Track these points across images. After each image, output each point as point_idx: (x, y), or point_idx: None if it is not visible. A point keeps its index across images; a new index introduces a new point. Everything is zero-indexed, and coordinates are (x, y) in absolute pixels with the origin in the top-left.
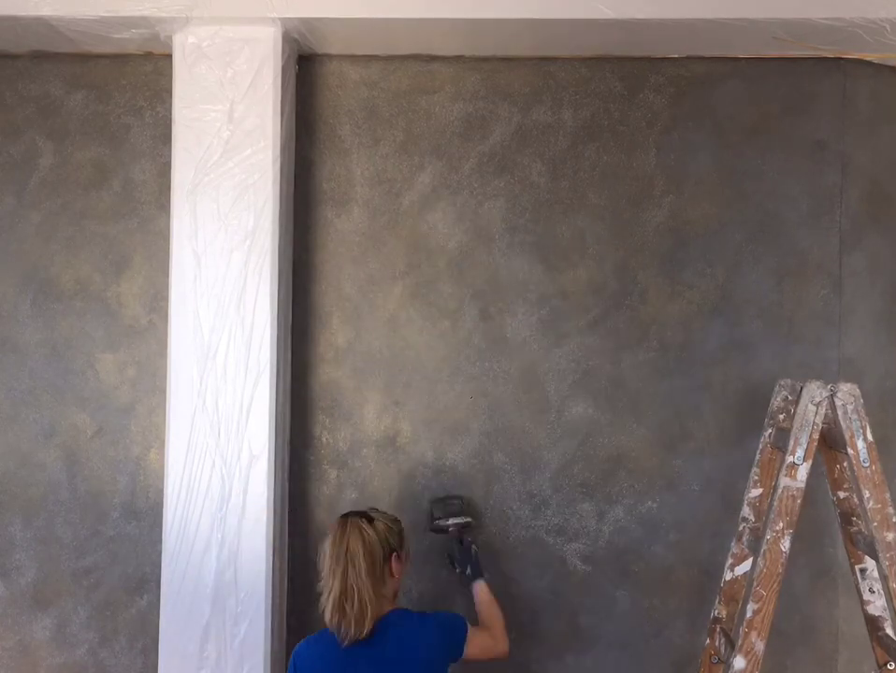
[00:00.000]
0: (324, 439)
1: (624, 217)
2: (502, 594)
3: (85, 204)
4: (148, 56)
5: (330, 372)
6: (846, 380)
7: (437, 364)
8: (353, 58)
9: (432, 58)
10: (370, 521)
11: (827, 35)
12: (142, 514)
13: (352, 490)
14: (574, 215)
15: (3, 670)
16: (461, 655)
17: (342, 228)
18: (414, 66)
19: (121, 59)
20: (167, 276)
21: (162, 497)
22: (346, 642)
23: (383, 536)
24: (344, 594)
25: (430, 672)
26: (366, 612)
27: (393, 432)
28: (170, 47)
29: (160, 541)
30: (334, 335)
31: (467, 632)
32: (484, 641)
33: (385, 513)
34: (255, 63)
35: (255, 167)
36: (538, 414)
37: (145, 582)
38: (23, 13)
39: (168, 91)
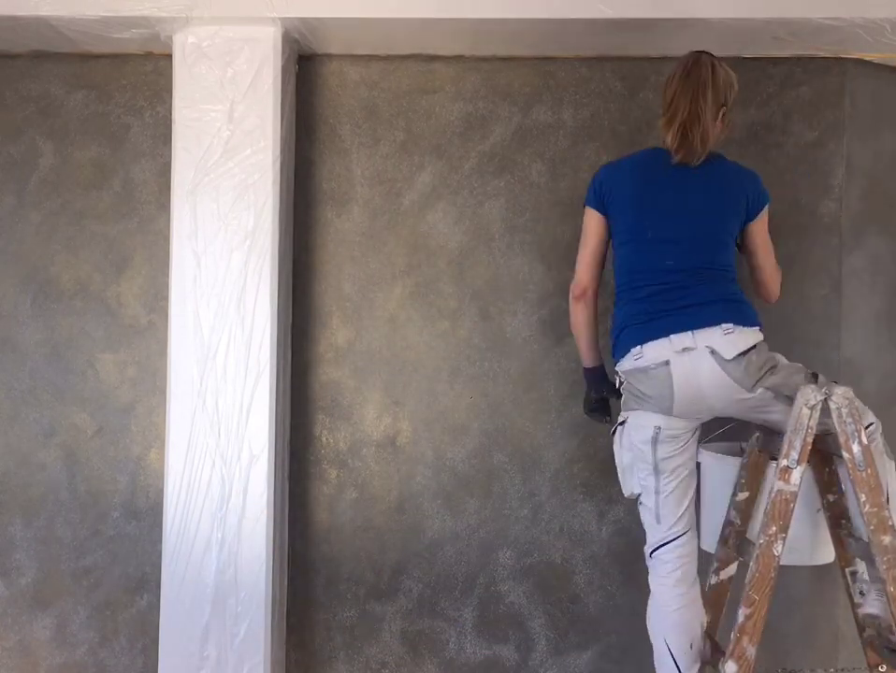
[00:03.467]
0: (324, 439)
1: None
2: (503, 594)
3: (85, 204)
4: (148, 56)
5: (330, 372)
6: (846, 381)
7: (437, 364)
8: (353, 58)
9: (432, 58)
10: (718, 62)
11: (827, 35)
12: (142, 514)
13: (352, 490)
14: (574, 215)
15: (3, 670)
16: (750, 220)
17: (342, 228)
18: (414, 66)
19: (121, 59)
20: (167, 276)
21: (162, 497)
22: (677, 160)
23: (729, 83)
24: (691, 118)
25: (733, 218)
26: (706, 140)
27: (393, 432)
28: (170, 47)
29: (160, 541)
30: (334, 335)
31: (767, 204)
32: (769, 246)
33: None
34: (255, 63)
35: (255, 167)
36: (538, 414)
37: (145, 582)
38: (23, 13)
39: (168, 91)
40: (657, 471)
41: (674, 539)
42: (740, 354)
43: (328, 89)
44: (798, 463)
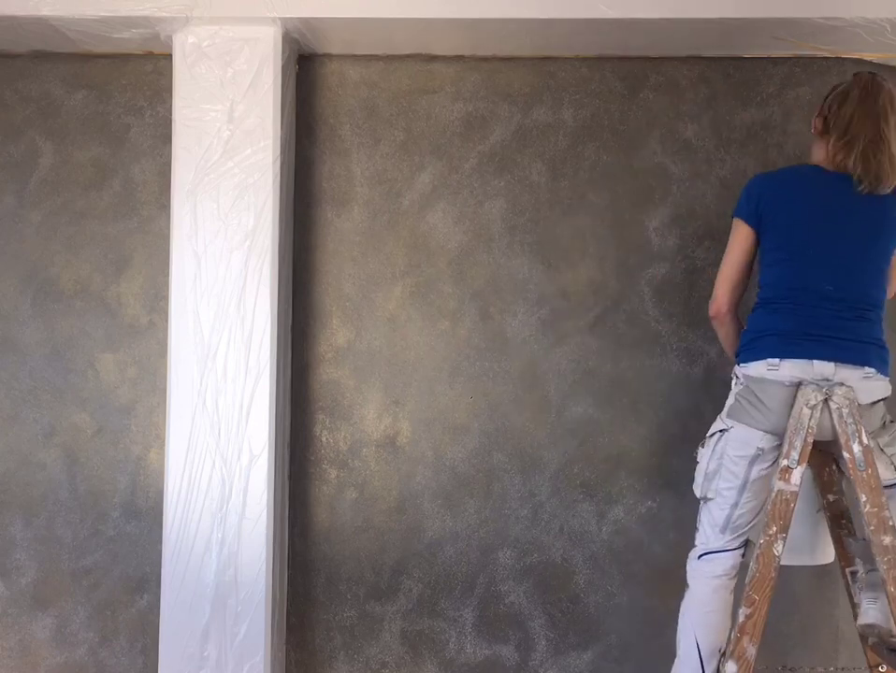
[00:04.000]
0: (324, 439)
1: (624, 217)
2: (503, 594)
3: (85, 204)
4: (148, 56)
5: (330, 372)
6: None
7: (437, 364)
8: (353, 58)
9: (432, 58)
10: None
11: (827, 35)
12: (142, 514)
13: (352, 490)
14: (574, 215)
15: (3, 670)
16: None
17: (342, 228)
18: (414, 66)
19: (121, 59)
20: (167, 276)
21: (162, 497)
22: (862, 189)
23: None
24: (875, 142)
25: (889, 246)
26: (893, 166)
27: (393, 432)
28: (170, 47)
29: (160, 541)
30: (334, 335)
31: None
32: None
33: None
34: (255, 63)
35: (255, 167)
36: (538, 414)
37: (145, 582)
38: (23, 13)
39: (168, 91)
40: (743, 488)
41: (733, 550)
42: (873, 403)
43: (328, 89)
44: (798, 463)
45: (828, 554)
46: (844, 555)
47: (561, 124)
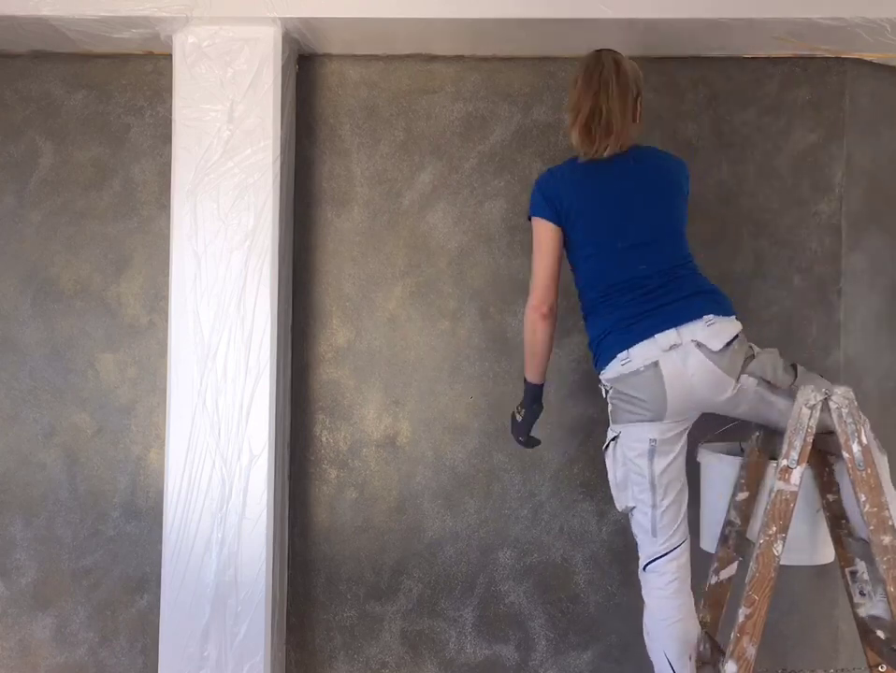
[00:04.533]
0: (324, 439)
1: None
2: (503, 594)
3: (85, 204)
4: (148, 56)
5: (330, 372)
6: (846, 381)
7: (437, 364)
8: (353, 58)
9: (432, 58)
10: (621, 56)
11: (827, 35)
12: (142, 514)
13: (352, 490)
14: None
15: (3, 670)
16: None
17: (342, 228)
18: (414, 66)
19: (121, 59)
20: (167, 276)
21: (162, 497)
22: (588, 156)
23: (635, 73)
24: (593, 114)
25: (682, 204)
26: (612, 130)
27: (393, 432)
28: (170, 47)
29: (160, 541)
30: (334, 335)
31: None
32: None
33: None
34: (255, 63)
35: (255, 167)
36: None
37: (145, 582)
38: (23, 13)
39: (168, 91)
40: (653, 486)
41: (671, 551)
42: (725, 345)
43: (328, 89)
44: (798, 463)
45: (827, 554)
46: (843, 555)
47: (561, 124)
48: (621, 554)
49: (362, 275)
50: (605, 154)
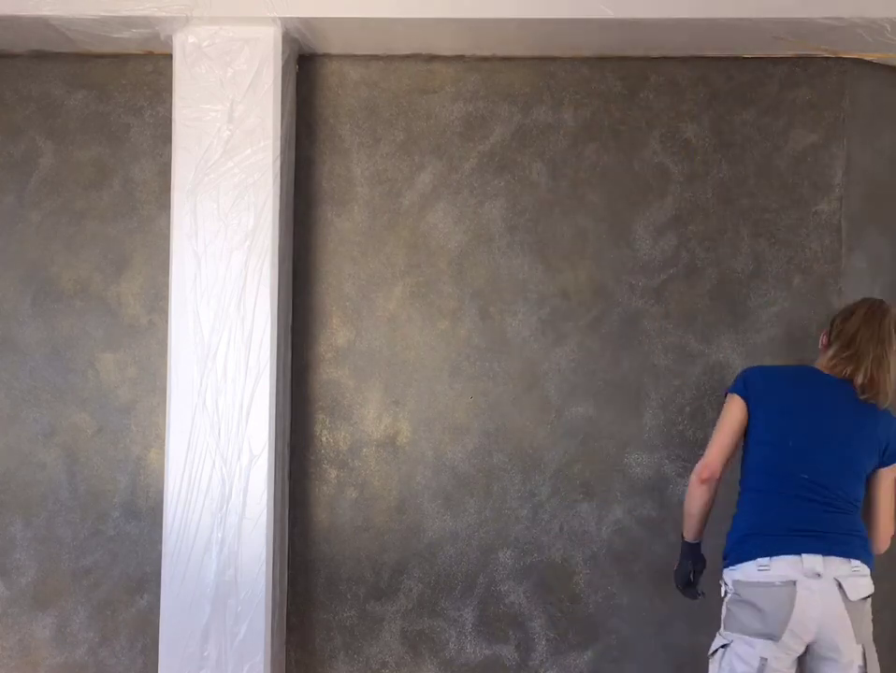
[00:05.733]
0: (324, 439)
1: (624, 217)
2: (503, 594)
3: (85, 204)
4: (148, 56)
5: (330, 372)
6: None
7: (437, 364)
8: (353, 58)
9: (432, 58)
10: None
11: (827, 34)
12: (142, 514)
13: (352, 490)
14: (574, 215)
15: (3, 670)
16: (884, 465)
17: (342, 228)
18: (414, 66)
19: (121, 59)
20: (167, 276)
21: (162, 497)
22: (865, 398)
23: None
24: (878, 359)
25: (871, 457)
26: (890, 386)
27: (393, 432)
28: (170, 46)
29: (160, 541)
30: (334, 335)
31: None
32: (891, 499)
33: None
34: (255, 62)
35: (255, 167)
36: (538, 414)
37: (145, 582)
38: (23, 13)
39: (168, 90)
40: None
41: None
42: (862, 599)
43: (328, 89)
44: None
45: None
46: None
47: (561, 124)
48: (621, 554)
49: (362, 275)
50: (856, 380)
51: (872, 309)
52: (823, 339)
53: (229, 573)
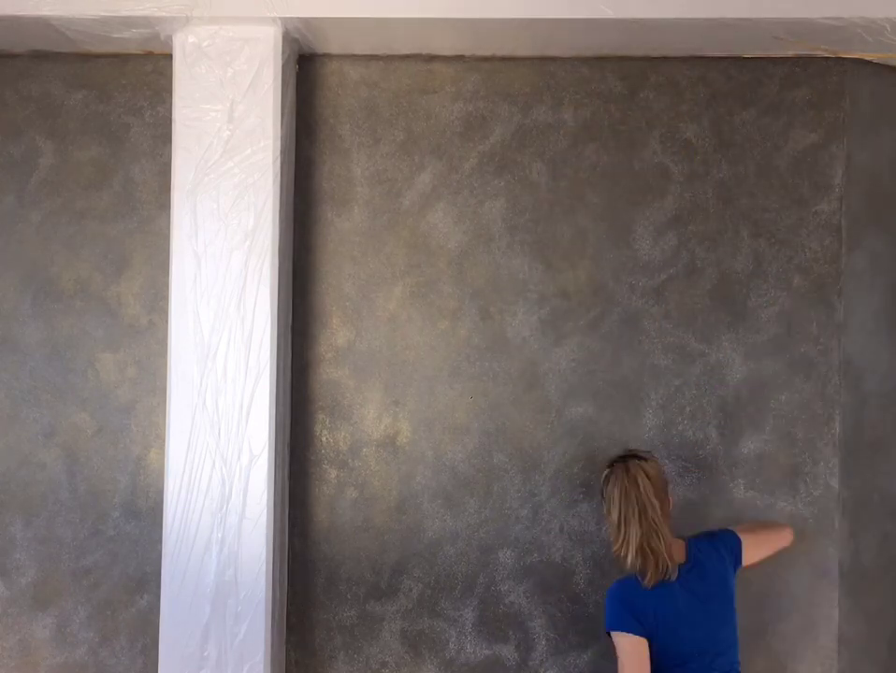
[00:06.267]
0: (324, 439)
1: (624, 217)
2: (504, 594)
3: (85, 204)
4: (148, 56)
5: (330, 372)
6: (846, 381)
7: (437, 364)
8: (353, 58)
9: (432, 58)
10: (643, 459)
11: (827, 34)
12: (142, 514)
13: (352, 489)
14: (574, 215)
15: (3, 670)
16: (741, 565)
17: (342, 228)
18: (414, 66)
19: (121, 59)
20: (167, 276)
21: (162, 497)
22: (654, 581)
23: (661, 472)
24: (648, 535)
25: (728, 588)
26: (670, 549)
27: (393, 432)
28: (170, 46)
29: (160, 541)
30: (334, 335)
31: (741, 544)
32: (759, 540)
33: (638, 449)
34: (255, 62)
35: (255, 167)
36: (538, 414)
37: (145, 582)
38: (23, 13)
39: (168, 90)
40: None
41: None
42: None
43: (328, 89)
44: None
45: None
46: None
47: (561, 124)
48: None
49: (362, 275)
50: (672, 578)
51: (622, 484)
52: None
53: (229, 573)
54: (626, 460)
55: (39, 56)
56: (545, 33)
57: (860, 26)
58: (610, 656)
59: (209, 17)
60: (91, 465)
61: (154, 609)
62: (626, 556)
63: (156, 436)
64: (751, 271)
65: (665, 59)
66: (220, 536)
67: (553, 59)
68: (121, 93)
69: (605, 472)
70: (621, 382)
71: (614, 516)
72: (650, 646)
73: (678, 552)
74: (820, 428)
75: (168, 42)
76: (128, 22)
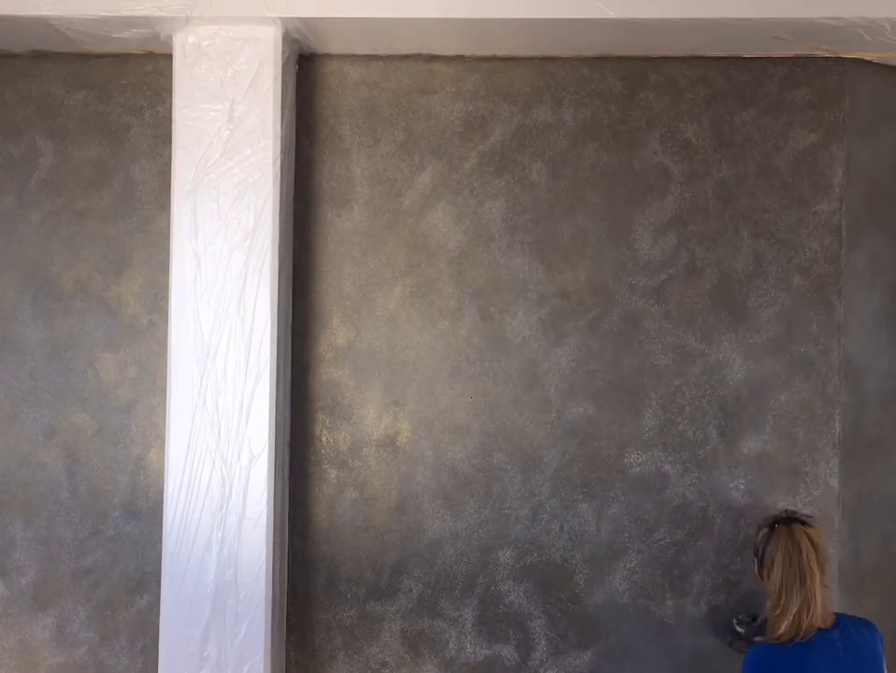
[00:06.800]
0: (324, 439)
1: (624, 217)
2: (503, 594)
3: (85, 204)
4: (148, 56)
5: (330, 372)
6: (846, 381)
7: (437, 364)
8: (353, 58)
9: (432, 58)
10: (807, 525)
11: (827, 34)
12: (142, 514)
13: (352, 490)
14: (574, 215)
15: (3, 670)
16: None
17: (342, 228)
18: (414, 66)
19: (121, 59)
20: (167, 276)
21: (162, 497)
22: (800, 639)
23: (823, 540)
24: (806, 604)
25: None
26: (816, 618)
27: (393, 432)
28: (170, 46)
29: (160, 541)
30: (334, 335)
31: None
32: None
33: (800, 511)
34: (255, 62)
35: (255, 167)
36: (538, 414)
37: (145, 582)
38: (23, 13)
39: (168, 90)
40: None
41: None
42: None
43: (328, 89)
44: None
45: None
46: None
47: (561, 124)
48: (621, 554)
49: (362, 275)
50: (810, 637)
51: (786, 547)
52: (757, 571)
53: (229, 573)
54: (790, 523)
55: (39, 56)
56: (545, 33)
57: (860, 26)
58: (610, 656)
59: (209, 17)
60: (91, 465)
61: (154, 609)
62: (782, 623)
63: (156, 436)
64: (751, 271)
65: (665, 59)
66: (220, 536)
67: (553, 59)
68: (121, 93)
69: (764, 531)
70: (621, 382)
71: (775, 581)
72: None
73: (825, 621)
74: (820, 428)
75: (168, 42)
76: (128, 22)
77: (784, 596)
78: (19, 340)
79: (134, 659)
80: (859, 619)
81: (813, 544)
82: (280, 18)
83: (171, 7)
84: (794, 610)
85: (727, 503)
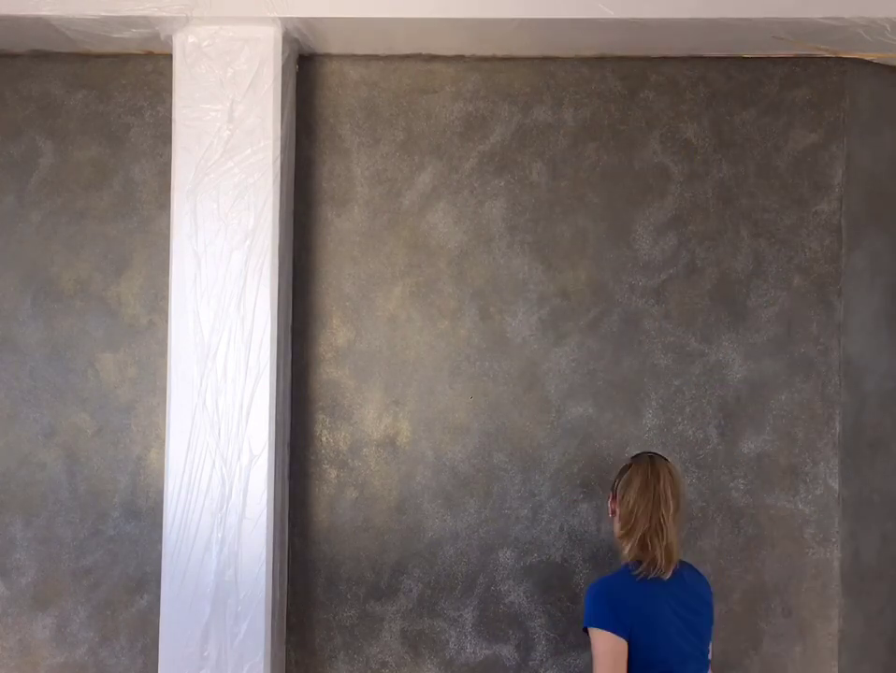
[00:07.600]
0: (324, 439)
1: (624, 217)
2: (504, 594)
3: (85, 204)
4: (148, 56)
5: (330, 372)
6: (846, 381)
7: (437, 364)
8: (353, 58)
9: (432, 58)
10: (667, 461)
11: (827, 34)
12: (142, 514)
13: (352, 490)
14: (574, 215)
15: (3, 670)
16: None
17: (342, 228)
18: (414, 66)
19: (121, 59)
20: (167, 276)
21: (162, 497)
22: (644, 574)
23: (682, 483)
24: (654, 529)
25: (711, 613)
26: (672, 553)
27: (393, 432)
28: (170, 46)
29: (160, 541)
30: (334, 335)
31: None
32: None
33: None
34: (255, 62)
35: (255, 167)
36: (538, 414)
37: (145, 582)
38: (23, 13)
39: (168, 90)
40: None
41: None
42: None
43: (328, 89)
44: None
45: None
46: None
47: (561, 124)
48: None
49: (362, 275)
50: (666, 577)
51: (644, 476)
52: (610, 505)
53: (229, 573)
54: (652, 456)
55: (39, 56)
56: (545, 33)
57: (860, 26)
58: None
59: (209, 17)
60: (91, 465)
61: (154, 609)
62: (626, 544)
63: (156, 436)
64: (751, 271)
65: (665, 59)
66: (220, 536)
67: (553, 59)
68: (121, 93)
69: (626, 463)
70: (621, 382)
71: (629, 502)
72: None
73: (675, 558)
74: (820, 428)
75: (168, 42)
76: (128, 22)
77: (633, 519)
78: (19, 340)
79: (134, 659)
80: (696, 568)
81: (672, 476)
82: (280, 18)
83: (171, 6)
84: (641, 532)
85: (727, 503)
